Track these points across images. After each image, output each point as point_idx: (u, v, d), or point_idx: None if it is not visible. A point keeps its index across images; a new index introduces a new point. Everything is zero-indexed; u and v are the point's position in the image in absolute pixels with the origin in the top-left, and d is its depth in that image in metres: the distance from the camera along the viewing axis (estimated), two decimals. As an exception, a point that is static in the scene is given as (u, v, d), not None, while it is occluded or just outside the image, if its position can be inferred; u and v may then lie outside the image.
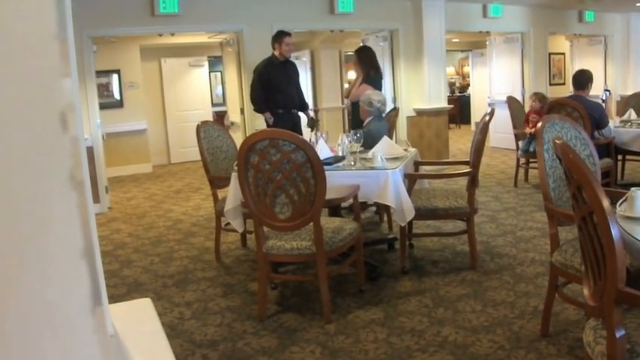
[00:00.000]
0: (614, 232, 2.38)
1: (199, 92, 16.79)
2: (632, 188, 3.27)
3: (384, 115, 7.18)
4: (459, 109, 21.86)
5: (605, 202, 2.39)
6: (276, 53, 8.75)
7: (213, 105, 17.83)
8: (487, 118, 6.04)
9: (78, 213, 0.76)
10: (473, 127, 20.85)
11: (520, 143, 10.30)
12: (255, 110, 9.08)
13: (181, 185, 12.36)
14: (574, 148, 3.20)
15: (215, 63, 18.13)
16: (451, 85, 23.64)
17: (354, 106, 8.29)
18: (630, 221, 3.05)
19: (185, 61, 16.49)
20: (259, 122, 10.54)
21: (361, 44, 13.15)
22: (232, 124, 12.42)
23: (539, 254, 6.39)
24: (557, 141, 2.87)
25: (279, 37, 8.74)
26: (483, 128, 6.02)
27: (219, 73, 18.66)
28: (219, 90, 19.24)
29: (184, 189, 11.78)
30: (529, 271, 5.91)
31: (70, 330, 0.75)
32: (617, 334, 2.50)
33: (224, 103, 16.43)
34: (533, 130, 9.87)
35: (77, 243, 0.77)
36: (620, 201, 3.38)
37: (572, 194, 2.82)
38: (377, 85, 8.75)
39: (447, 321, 4.86)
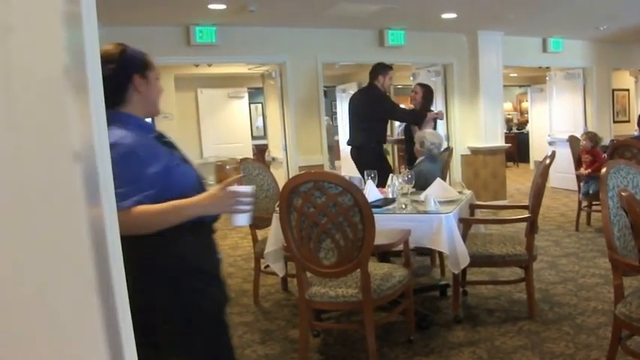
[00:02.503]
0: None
1: (239, 124, 16.92)
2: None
3: (437, 156, 7.23)
4: (517, 146, 21.79)
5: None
6: (378, 85, 8.90)
7: (254, 138, 17.96)
8: (548, 161, 6.04)
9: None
10: (532, 165, 20.77)
11: (581, 185, 10.25)
12: (419, 121, 9.16)
13: (218, 223, 12.38)
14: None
15: (255, 94, 18.31)
16: (508, 121, 23.59)
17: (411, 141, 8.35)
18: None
19: (224, 92, 16.63)
20: (303, 159, 10.61)
21: (411, 79, 13.22)
22: (274, 159, 12.49)
23: (602, 303, 6.35)
24: (623, 193, 2.89)
25: (385, 70, 9.00)
26: (544, 171, 6.01)
27: (259, 105, 18.84)
28: (259, 122, 19.40)
29: (221, 226, 11.80)
30: (590, 321, 5.87)
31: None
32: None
33: (265, 136, 16.55)
34: (587, 171, 9.86)
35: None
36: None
37: (638, 248, 2.83)
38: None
39: (504, 374, 4.85)
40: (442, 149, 7.69)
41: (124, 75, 2.97)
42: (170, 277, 2.90)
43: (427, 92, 9.41)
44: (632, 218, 2.83)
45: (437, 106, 12.43)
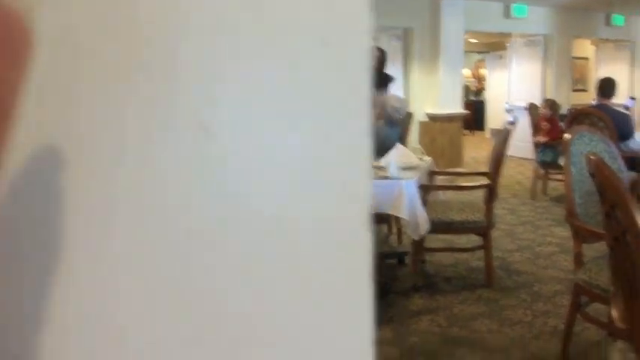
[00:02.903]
0: (649, 252, 2.44)
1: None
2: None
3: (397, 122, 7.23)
4: (474, 114, 21.87)
5: (640, 222, 2.45)
6: None
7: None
8: (510, 127, 6.10)
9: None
10: (487, 133, 20.87)
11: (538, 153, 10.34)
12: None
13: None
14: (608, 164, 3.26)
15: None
16: (466, 88, 23.66)
17: None
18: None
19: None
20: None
21: (372, 42, 13.22)
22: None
23: (559, 271, 6.45)
24: (591, 157, 2.93)
25: None
26: (505, 139, 6.06)
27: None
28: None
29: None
30: (547, 289, 5.97)
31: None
32: (648, 359, 2.57)
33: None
34: (545, 139, 9.95)
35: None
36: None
37: (605, 213, 2.88)
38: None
39: (462, 341, 4.91)
40: (404, 114, 7.71)
41: None
42: None
43: (382, 56, 9.38)
44: (599, 182, 2.88)
45: (396, 70, 12.47)
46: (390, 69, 11.75)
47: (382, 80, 9.06)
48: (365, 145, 0.68)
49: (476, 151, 16.95)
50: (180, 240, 0.63)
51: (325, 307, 0.68)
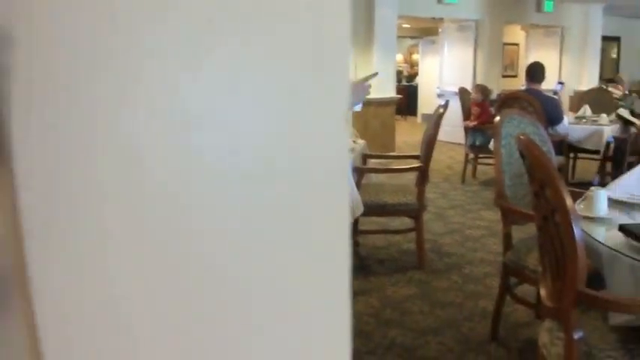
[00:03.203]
0: (577, 232, 2.50)
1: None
2: (592, 187, 3.41)
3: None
4: (406, 99, 21.96)
5: (569, 202, 2.50)
6: None
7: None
8: (441, 110, 6.15)
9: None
10: (419, 118, 21.00)
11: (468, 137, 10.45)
12: None
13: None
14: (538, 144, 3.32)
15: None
16: (399, 73, 23.74)
17: None
18: (589, 221, 3.19)
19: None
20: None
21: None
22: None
23: (488, 254, 6.54)
24: (521, 137, 2.99)
25: None
26: (437, 121, 6.11)
27: None
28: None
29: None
30: (478, 271, 6.06)
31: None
32: (575, 336, 2.62)
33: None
34: (474, 123, 10.08)
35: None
36: (578, 200, 3.52)
37: (534, 192, 2.94)
38: None
39: (395, 322, 4.96)
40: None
41: None
42: None
43: None
44: (529, 162, 2.93)
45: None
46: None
47: None
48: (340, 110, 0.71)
49: (408, 135, 17.03)
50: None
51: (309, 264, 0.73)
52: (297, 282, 0.73)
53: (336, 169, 0.72)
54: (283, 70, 0.68)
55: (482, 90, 10.54)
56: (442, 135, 14.73)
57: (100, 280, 0.63)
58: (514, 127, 4.61)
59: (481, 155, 10.40)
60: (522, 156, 3.08)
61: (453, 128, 13.65)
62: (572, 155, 10.02)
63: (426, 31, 20.62)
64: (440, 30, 15.96)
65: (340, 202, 0.73)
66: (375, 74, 4.91)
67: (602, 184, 4.02)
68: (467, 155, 10.60)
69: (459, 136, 11.88)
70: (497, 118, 4.58)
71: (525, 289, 4.71)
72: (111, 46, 0.60)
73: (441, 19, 15.38)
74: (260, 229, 0.69)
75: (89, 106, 0.60)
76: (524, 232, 4.75)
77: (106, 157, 0.61)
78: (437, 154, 13.12)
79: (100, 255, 0.63)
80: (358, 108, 4.53)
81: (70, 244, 0.62)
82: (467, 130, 10.36)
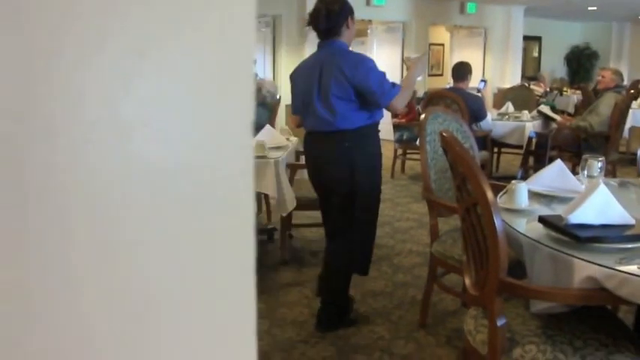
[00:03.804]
0: (498, 223, 2.51)
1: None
2: (513, 181, 3.43)
3: (269, 105, 7.29)
4: (337, 98, 22.00)
5: (490, 194, 2.51)
6: None
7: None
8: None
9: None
10: (351, 116, 21.05)
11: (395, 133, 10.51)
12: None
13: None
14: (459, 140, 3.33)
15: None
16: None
17: None
18: (510, 213, 3.20)
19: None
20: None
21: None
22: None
23: (417, 245, 6.58)
24: (444, 134, 2.99)
25: None
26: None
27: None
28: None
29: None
30: (407, 261, 6.09)
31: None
32: (499, 323, 2.63)
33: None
34: (403, 120, 10.14)
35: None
36: (500, 193, 3.53)
37: (456, 186, 2.95)
38: None
39: (327, 312, 4.96)
40: (276, 98, 7.76)
41: (343, 15, 4.37)
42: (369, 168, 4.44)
43: None
44: (451, 157, 2.94)
45: (265, 56, 12.52)
46: (258, 54, 11.80)
47: None
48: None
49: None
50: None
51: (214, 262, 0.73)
52: (202, 284, 0.73)
53: (242, 176, 0.74)
54: (196, 95, 0.69)
55: (407, 90, 10.61)
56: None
57: (24, 273, 0.62)
58: (438, 124, 4.63)
59: (409, 151, 10.47)
60: (445, 152, 3.09)
61: (382, 125, 13.64)
62: (495, 150, 10.15)
63: (356, 33, 20.64)
64: (369, 31, 16.01)
65: (246, 202, 0.73)
66: (427, 52, 5.37)
67: (525, 178, 4.07)
68: (396, 151, 10.63)
69: (389, 133, 11.92)
70: (423, 116, 4.60)
71: (453, 279, 4.74)
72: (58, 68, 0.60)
73: (370, 21, 15.43)
74: (175, 227, 0.69)
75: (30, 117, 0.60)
76: (451, 225, 4.77)
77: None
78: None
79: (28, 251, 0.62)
80: (421, 79, 4.76)
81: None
82: (395, 127, 10.41)
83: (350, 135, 4.29)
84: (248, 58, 0.73)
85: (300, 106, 4.57)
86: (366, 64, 4.30)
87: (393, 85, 4.33)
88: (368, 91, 4.21)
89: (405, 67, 4.98)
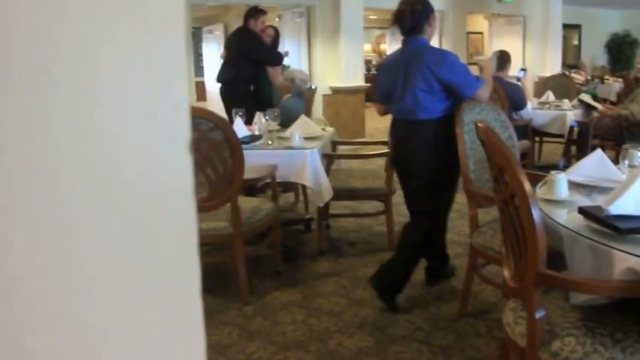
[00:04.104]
0: (536, 214, 2.47)
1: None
2: (552, 172, 3.39)
3: (304, 93, 7.29)
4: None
5: (527, 186, 2.48)
6: (250, 27, 9.06)
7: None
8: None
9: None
10: (389, 105, 20.98)
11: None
12: (276, 63, 9.16)
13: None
14: (495, 131, 3.30)
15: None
16: (367, 62, 23.74)
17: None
18: (549, 204, 3.16)
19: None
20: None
21: (277, 20, 13.16)
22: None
23: (457, 235, 6.53)
24: (480, 124, 2.96)
25: (257, 14, 9.13)
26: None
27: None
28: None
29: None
30: (447, 252, 6.04)
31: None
32: (537, 315, 2.60)
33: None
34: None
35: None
36: (539, 184, 3.50)
37: (493, 177, 2.92)
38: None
39: (365, 302, 4.94)
40: (307, 86, 7.77)
41: (425, 14, 4.72)
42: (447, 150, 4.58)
43: (277, 35, 9.50)
44: (487, 148, 2.91)
45: (300, 46, 12.51)
46: (293, 45, 11.82)
47: (279, 57, 9.19)
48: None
49: (379, 122, 16.99)
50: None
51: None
52: (144, 285, 0.74)
53: (181, 185, 0.76)
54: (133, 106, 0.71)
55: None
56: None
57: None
58: (476, 113, 4.60)
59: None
60: (482, 142, 3.06)
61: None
62: (537, 139, 10.09)
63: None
64: (405, 20, 15.95)
65: (187, 211, 0.75)
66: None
67: (568, 167, 4.06)
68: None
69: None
70: (461, 106, 4.57)
71: (494, 269, 4.70)
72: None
73: (407, 10, 15.36)
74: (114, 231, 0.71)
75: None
76: (492, 215, 4.73)
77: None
78: (406, 140, 13.16)
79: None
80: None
81: None
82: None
83: (430, 124, 4.69)
84: (183, 100, 0.77)
85: (386, 96, 5.03)
86: (450, 59, 4.66)
87: (477, 78, 4.77)
88: (454, 84, 4.59)
89: (478, 67, 5.32)
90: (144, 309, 0.73)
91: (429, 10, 4.79)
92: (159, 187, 0.72)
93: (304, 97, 7.33)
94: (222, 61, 9.46)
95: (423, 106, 4.61)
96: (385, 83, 5.00)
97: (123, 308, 0.70)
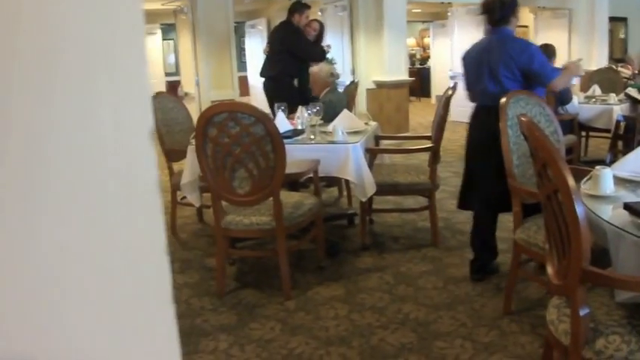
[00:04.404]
0: (580, 211, 2.44)
1: (152, 61, 16.53)
2: (597, 167, 3.35)
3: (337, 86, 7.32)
4: (420, 81, 21.92)
5: (571, 181, 2.45)
6: (294, 21, 9.07)
7: (166, 75, 17.68)
8: (450, 92, 6.10)
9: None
10: (433, 100, 20.94)
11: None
12: (319, 59, 8.88)
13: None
14: (539, 125, 3.27)
15: (167, 31, 17.97)
16: (411, 56, 23.68)
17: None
18: (594, 200, 3.12)
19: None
20: (215, 93, 10.51)
21: (319, 14, 13.15)
22: (186, 94, 12.37)
23: (501, 231, 6.46)
24: (523, 118, 2.93)
25: (302, 9, 9.13)
26: (445, 103, 6.07)
27: (171, 41, 18.52)
28: (171, 59, 19.09)
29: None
30: (490, 247, 6.01)
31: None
32: (581, 313, 2.57)
33: (176, 73, 16.29)
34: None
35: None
36: (584, 179, 3.45)
37: (537, 172, 2.88)
38: None
39: (408, 298, 4.93)
40: (347, 82, 7.77)
41: (512, 6, 5.08)
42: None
43: (322, 29, 9.48)
44: (531, 142, 2.88)
45: (343, 40, 12.51)
46: (335, 39, 11.82)
47: (321, 53, 9.17)
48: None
49: (423, 116, 16.98)
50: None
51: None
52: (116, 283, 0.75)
53: (145, 177, 0.79)
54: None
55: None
56: (456, 115, 14.69)
57: None
58: (520, 107, 4.55)
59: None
60: (525, 136, 3.03)
61: (465, 108, 13.49)
62: (584, 134, 10.00)
63: (436, 15, 20.53)
64: (449, 14, 15.85)
65: (152, 206, 0.80)
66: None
67: (615, 162, 4.02)
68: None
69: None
70: (503, 100, 4.52)
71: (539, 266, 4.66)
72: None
73: (450, 4, 15.28)
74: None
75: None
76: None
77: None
78: (452, 134, 13.07)
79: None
80: (575, 81, 5.33)
81: None
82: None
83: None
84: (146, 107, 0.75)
85: (472, 84, 5.37)
86: (531, 49, 5.08)
87: (554, 69, 5.32)
88: (533, 72, 4.99)
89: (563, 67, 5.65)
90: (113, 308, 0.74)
91: (515, 2, 5.14)
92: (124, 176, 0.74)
93: (348, 90, 7.33)
94: (265, 55, 9.47)
95: (507, 92, 4.81)
96: (471, 71, 5.36)
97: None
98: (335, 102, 6.72)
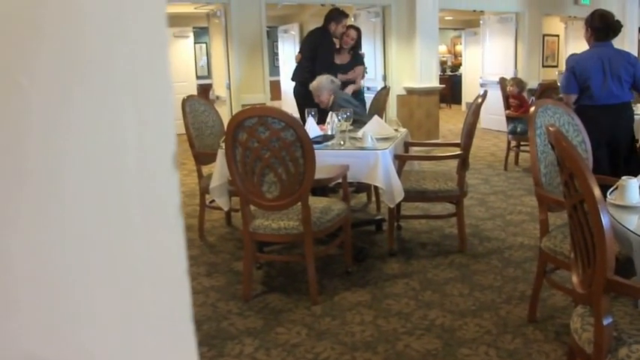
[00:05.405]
0: (605, 221, 2.45)
1: (184, 64, 16.58)
2: (623, 177, 3.35)
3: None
4: (450, 88, 21.90)
5: (597, 192, 2.46)
6: (330, 29, 8.97)
7: (198, 77, 17.74)
8: (479, 100, 6.10)
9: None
10: (464, 107, 20.89)
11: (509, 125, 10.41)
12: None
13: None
14: (566, 135, 3.28)
15: (200, 34, 18.03)
16: (443, 64, 23.61)
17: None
18: (620, 210, 3.13)
19: (169, 31, 16.38)
20: (246, 97, 10.54)
21: (352, 19, 13.16)
22: (218, 98, 12.42)
23: (528, 239, 6.48)
24: (550, 128, 2.94)
25: (339, 17, 9.01)
26: (475, 110, 6.07)
27: (204, 45, 18.58)
28: (203, 61, 19.16)
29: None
30: (517, 255, 5.99)
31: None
32: (605, 322, 2.58)
33: (208, 76, 16.35)
34: (516, 113, 10.04)
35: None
36: (610, 189, 3.45)
37: (563, 182, 2.90)
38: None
39: (434, 304, 4.93)
40: (379, 87, 7.79)
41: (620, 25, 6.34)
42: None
43: (359, 36, 9.41)
44: (558, 152, 2.89)
45: (375, 46, 12.53)
46: (368, 45, 11.84)
47: (360, 58, 9.16)
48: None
49: (453, 123, 16.96)
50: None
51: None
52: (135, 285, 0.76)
53: (168, 202, 0.76)
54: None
55: (518, 83, 10.49)
56: (486, 123, 14.70)
57: None
58: (549, 116, 4.55)
59: (523, 143, 10.32)
60: (552, 146, 3.04)
61: (496, 116, 13.56)
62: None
63: (467, 23, 20.48)
64: (481, 22, 15.82)
65: (175, 231, 0.77)
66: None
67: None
68: (509, 143, 10.51)
69: (502, 124, 11.79)
70: (532, 109, 4.52)
71: (565, 274, 4.65)
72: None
73: (482, 12, 15.25)
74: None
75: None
76: (563, 219, 4.68)
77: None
78: (480, 142, 13.08)
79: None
80: None
81: None
82: (508, 118, 10.31)
83: (629, 104, 6.54)
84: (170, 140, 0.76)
85: (585, 88, 6.34)
86: (638, 60, 6.47)
87: None
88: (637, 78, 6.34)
89: None
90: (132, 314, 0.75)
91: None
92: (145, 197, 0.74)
93: (380, 97, 7.36)
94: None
95: (626, 91, 6.32)
96: (584, 77, 6.31)
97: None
98: (349, 99, 6.88)
